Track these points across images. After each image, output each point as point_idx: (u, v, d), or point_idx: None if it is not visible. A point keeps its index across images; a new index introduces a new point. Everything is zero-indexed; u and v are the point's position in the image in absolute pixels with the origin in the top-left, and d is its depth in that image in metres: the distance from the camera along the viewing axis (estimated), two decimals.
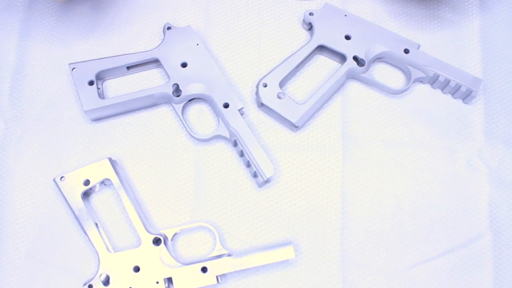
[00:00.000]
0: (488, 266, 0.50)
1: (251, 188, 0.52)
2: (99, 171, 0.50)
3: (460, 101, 0.56)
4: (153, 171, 0.53)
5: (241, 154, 0.52)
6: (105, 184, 0.52)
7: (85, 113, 0.52)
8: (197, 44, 0.55)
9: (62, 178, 0.50)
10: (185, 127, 0.53)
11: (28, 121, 0.54)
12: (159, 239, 0.48)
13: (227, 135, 0.53)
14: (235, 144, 0.52)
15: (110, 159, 0.51)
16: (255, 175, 0.51)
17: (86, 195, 0.51)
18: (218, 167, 0.53)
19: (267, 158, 0.50)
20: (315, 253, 0.50)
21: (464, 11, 0.60)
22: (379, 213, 0.52)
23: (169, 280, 0.48)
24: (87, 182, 0.50)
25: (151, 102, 0.55)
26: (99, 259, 0.48)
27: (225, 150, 0.54)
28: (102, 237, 0.49)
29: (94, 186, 0.51)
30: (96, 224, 0.49)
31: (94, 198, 0.52)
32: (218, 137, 0.53)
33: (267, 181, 0.52)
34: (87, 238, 0.49)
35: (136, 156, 0.53)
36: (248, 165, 0.51)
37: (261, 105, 0.54)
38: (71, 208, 0.49)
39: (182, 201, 0.52)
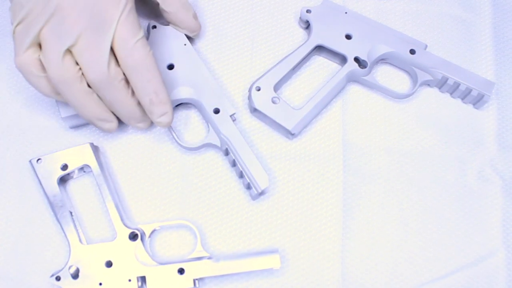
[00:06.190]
0: (501, 285, 0.49)
1: (244, 200, 0.51)
2: (78, 156, 0.49)
3: (471, 106, 0.55)
4: (137, 181, 0.51)
5: (233, 164, 0.51)
6: (84, 171, 0.51)
7: (62, 120, 0.50)
8: (185, 44, 0.53)
9: (39, 160, 0.49)
10: (172, 134, 0.52)
11: (0, 129, 0.53)
12: (136, 234, 0.47)
13: (218, 143, 0.51)
14: (226, 153, 0.51)
15: (91, 144, 0.49)
16: (248, 187, 0.50)
17: (62, 180, 0.50)
18: (208, 178, 0.52)
19: (261, 168, 0.49)
20: (313, 271, 0.49)
21: (475, 8, 0.59)
22: (383, 228, 0.50)
23: (143, 279, 0.46)
24: (65, 167, 0.49)
25: None
26: (70, 250, 0.46)
27: (216, 159, 0.52)
28: (75, 227, 0.47)
29: (72, 172, 0.49)
30: (71, 212, 0.48)
31: (71, 184, 0.51)
32: (208, 145, 0.52)
33: (261, 193, 0.50)
34: (59, 226, 0.47)
35: (118, 166, 0.52)
36: (241, 175, 0.50)
37: (254, 110, 0.53)
38: (45, 193, 0.48)
39: (169, 215, 0.50)
